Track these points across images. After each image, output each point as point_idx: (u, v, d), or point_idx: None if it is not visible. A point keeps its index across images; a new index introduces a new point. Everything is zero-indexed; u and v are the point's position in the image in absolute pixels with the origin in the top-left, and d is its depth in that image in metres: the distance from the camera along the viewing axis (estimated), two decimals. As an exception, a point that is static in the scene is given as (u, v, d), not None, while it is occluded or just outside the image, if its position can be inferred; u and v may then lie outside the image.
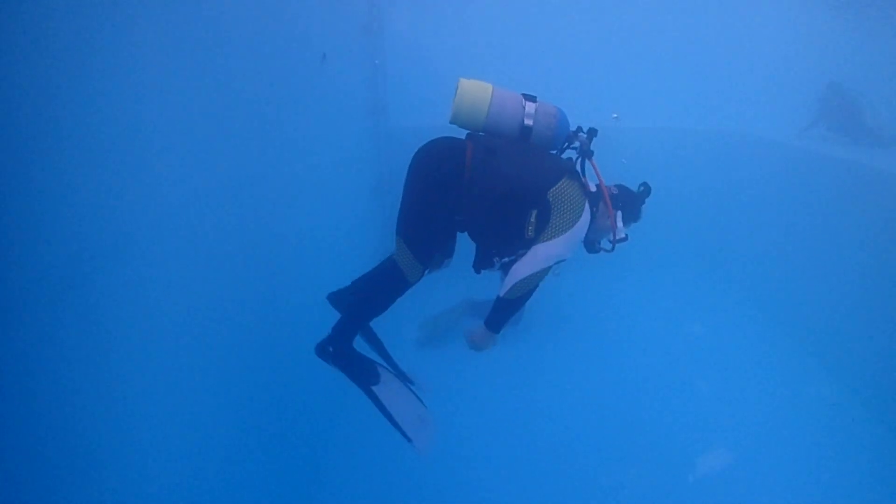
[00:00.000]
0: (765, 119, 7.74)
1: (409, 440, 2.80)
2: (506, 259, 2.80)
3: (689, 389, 5.32)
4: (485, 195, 2.61)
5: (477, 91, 2.67)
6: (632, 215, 2.90)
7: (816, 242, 6.05)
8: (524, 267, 2.61)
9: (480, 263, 2.84)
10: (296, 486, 3.68)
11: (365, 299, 2.84)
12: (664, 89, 7.78)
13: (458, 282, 4.64)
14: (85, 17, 1.60)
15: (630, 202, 2.89)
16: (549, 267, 2.63)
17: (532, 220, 2.62)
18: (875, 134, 7.11)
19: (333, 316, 2.93)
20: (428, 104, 7.07)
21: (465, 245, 2.97)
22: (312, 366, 2.88)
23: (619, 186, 2.96)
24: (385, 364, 3.06)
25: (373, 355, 3.11)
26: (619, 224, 2.81)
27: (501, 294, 2.70)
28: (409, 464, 4.18)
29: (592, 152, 2.81)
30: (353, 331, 2.86)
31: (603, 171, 2.80)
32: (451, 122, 2.78)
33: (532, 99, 2.72)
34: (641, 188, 2.94)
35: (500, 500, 4.04)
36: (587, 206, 2.66)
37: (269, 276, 3.19)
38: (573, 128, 2.88)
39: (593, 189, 2.78)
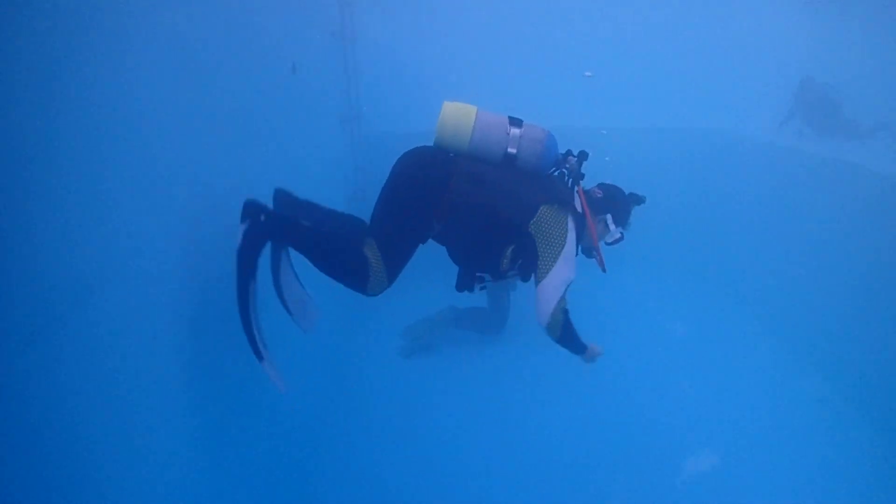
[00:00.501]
0: (741, 116, 7.88)
1: (291, 314, 2.73)
2: (485, 285, 2.84)
3: (674, 390, 5.34)
4: (464, 223, 2.64)
5: (460, 115, 2.65)
6: (623, 215, 2.94)
7: (798, 238, 6.15)
8: (544, 308, 2.61)
9: (462, 284, 2.88)
10: (285, 486, 3.68)
11: (318, 252, 2.58)
12: (642, 90, 7.87)
13: (440, 289, 4.64)
14: (49, 44, 1.60)
15: (620, 202, 2.93)
16: (565, 292, 2.64)
17: (507, 254, 2.67)
18: (851, 126, 7.27)
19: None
20: (403, 110, 7.11)
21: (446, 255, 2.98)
22: (293, 371, 2.88)
23: (605, 187, 2.97)
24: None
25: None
26: (611, 227, 2.87)
27: (553, 337, 2.74)
28: (401, 467, 4.24)
29: (583, 175, 2.83)
30: (290, 240, 2.59)
31: (587, 170, 2.84)
32: (435, 145, 2.75)
33: (517, 124, 2.69)
34: (632, 195, 2.98)
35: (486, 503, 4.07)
36: (570, 223, 2.66)
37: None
38: (563, 150, 2.88)
39: (579, 208, 2.78)
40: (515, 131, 2.64)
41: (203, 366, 2.53)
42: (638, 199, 3.01)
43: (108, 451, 1.85)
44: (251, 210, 2.41)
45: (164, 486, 2.20)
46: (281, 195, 2.85)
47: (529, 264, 2.73)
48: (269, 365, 2.37)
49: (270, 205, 2.76)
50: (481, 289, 2.89)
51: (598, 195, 2.91)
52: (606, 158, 3.57)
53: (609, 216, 2.88)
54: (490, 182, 2.62)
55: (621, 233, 2.92)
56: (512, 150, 2.64)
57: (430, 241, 2.84)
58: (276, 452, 3.63)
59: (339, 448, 4.43)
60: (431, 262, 3.67)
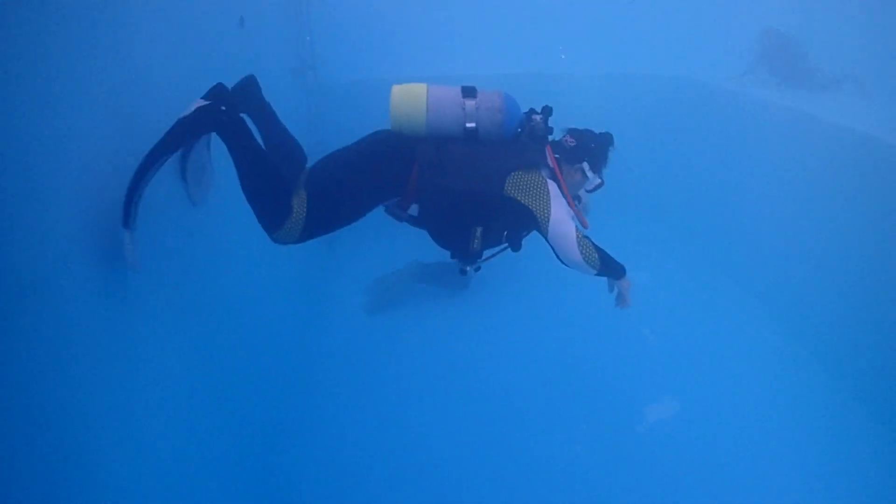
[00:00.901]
0: (705, 64, 7.87)
1: (185, 180, 2.68)
2: (478, 266, 2.85)
3: (635, 337, 5.50)
4: (435, 208, 2.62)
5: (410, 97, 2.57)
6: (599, 160, 2.87)
7: (760, 188, 6.25)
8: (565, 249, 2.57)
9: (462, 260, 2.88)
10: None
11: (248, 173, 2.41)
12: (603, 35, 7.77)
13: (405, 243, 4.62)
14: None
15: (594, 147, 2.87)
16: (576, 227, 2.61)
17: (477, 236, 2.65)
18: (816, 76, 7.35)
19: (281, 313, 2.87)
20: (360, 56, 6.92)
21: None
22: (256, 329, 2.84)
23: (577, 133, 2.90)
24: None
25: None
26: (589, 174, 2.82)
27: (592, 272, 2.70)
28: (366, 426, 4.34)
29: (551, 129, 2.77)
30: (232, 143, 2.39)
31: (555, 118, 2.81)
32: (393, 131, 2.67)
33: (471, 94, 2.61)
34: (605, 136, 2.93)
35: (445, 460, 4.16)
36: (546, 179, 2.63)
37: (204, 255, 3.11)
38: (525, 109, 2.81)
39: (550, 164, 2.74)
40: (470, 103, 2.57)
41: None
42: (610, 141, 2.95)
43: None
44: (218, 95, 2.35)
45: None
46: (250, 86, 2.85)
47: (519, 228, 2.74)
48: (131, 238, 2.10)
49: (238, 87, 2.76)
50: (476, 270, 2.88)
51: (571, 143, 2.84)
52: (562, 56, 3.45)
53: (585, 164, 2.82)
54: (454, 162, 2.55)
55: (601, 178, 2.88)
56: (471, 125, 2.58)
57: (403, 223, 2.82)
58: (240, 414, 3.61)
59: (303, 406, 4.47)
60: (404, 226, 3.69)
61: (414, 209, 2.69)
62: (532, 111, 2.80)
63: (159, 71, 2.58)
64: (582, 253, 2.55)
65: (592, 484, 4.03)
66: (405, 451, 4.23)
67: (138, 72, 2.37)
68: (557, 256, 2.63)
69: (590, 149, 2.84)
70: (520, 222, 2.69)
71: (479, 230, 2.63)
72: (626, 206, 7.41)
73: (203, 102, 2.29)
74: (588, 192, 2.93)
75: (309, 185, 2.51)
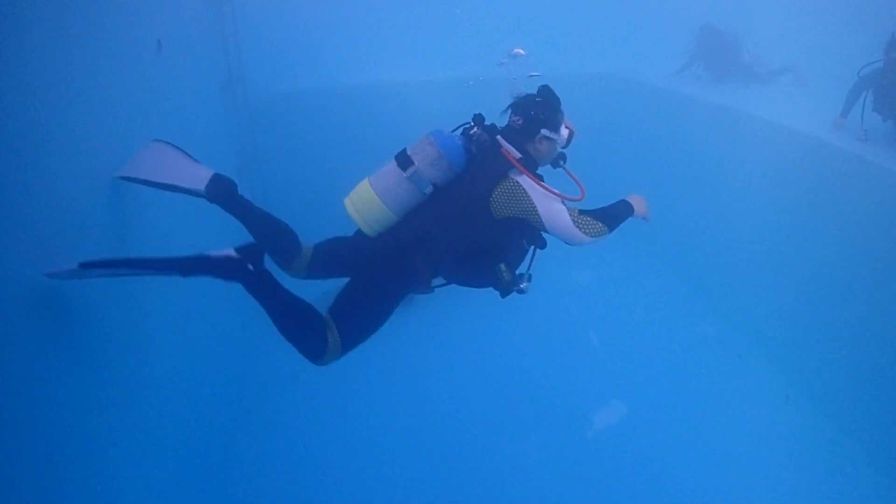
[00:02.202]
0: (638, 62, 8.15)
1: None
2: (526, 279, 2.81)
3: (581, 342, 5.67)
4: (453, 271, 2.75)
5: (363, 202, 2.66)
6: (553, 117, 2.84)
7: (697, 185, 6.50)
8: (571, 237, 2.63)
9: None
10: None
11: (281, 321, 2.57)
12: (543, 35, 7.96)
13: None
14: None
15: (542, 109, 2.83)
16: (568, 209, 2.64)
17: (503, 269, 2.69)
18: (751, 71, 7.70)
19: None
20: (287, 67, 6.96)
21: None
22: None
23: (519, 106, 2.88)
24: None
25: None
26: (553, 136, 2.82)
27: (604, 239, 2.73)
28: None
29: (495, 126, 2.84)
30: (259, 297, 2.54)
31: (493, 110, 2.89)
32: (372, 236, 2.74)
33: (407, 161, 2.64)
34: (544, 90, 2.90)
35: (393, 470, 4.32)
36: (517, 181, 2.64)
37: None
38: (458, 130, 2.87)
39: (515, 156, 2.72)
40: (412, 169, 2.62)
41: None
42: (550, 95, 2.91)
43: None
44: (250, 255, 2.40)
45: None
46: (226, 185, 2.89)
47: (532, 232, 2.76)
48: (73, 272, 2.15)
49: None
50: (528, 281, 2.82)
51: (519, 123, 2.84)
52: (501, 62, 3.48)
53: (543, 130, 2.81)
54: (440, 226, 2.66)
55: (567, 129, 2.90)
56: (427, 189, 2.66)
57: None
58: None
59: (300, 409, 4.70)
60: (332, 233, 3.71)
61: (437, 280, 2.80)
62: (465, 128, 2.86)
63: (81, 100, 2.63)
64: (585, 231, 2.62)
65: (544, 496, 4.17)
66: (355, 457, 4.39)
67: (52, 104, 2.41)
68: (569, 244, 2.68)
69: (538, 114, 2.81)
70: (527, 229, 2.73)
71: (502, 266, 2.70)
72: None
73: (233, 253, 2.37)
74: (564, 149, 2.96)
75: (337, 320, 2.61)
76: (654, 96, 7.40)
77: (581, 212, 2.66)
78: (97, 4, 2.87)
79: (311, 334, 2.55)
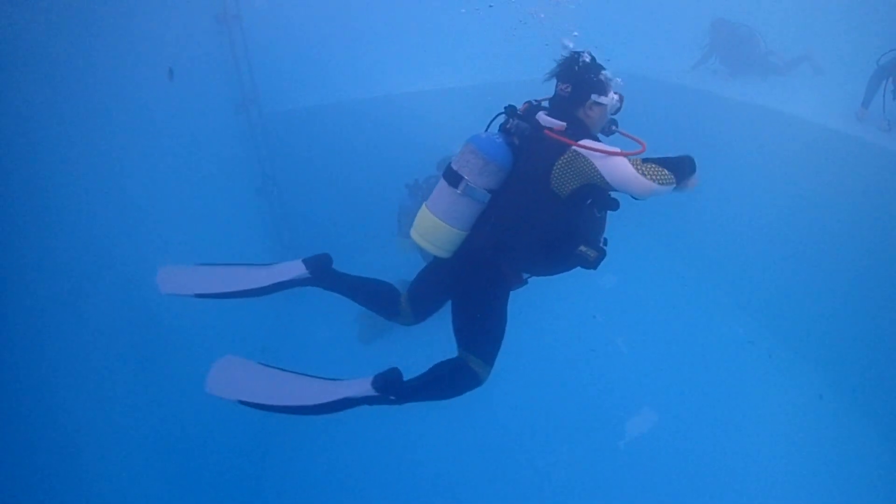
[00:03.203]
0: (656, 59, 8.13)
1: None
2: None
3: (608, 348, 5.65)
4: (539, 269, 2.74)
5: (430, 230, 2.70)
6: (597, 81, 2.73)
7: (721, 182, 6.45)
8: (637, 189, 2.45)
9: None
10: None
11: (438, 394, 2.76)
12: (557, 36, 7.97)
13: (381, 264, 4.72)
14: None
15: (585, 72, 2.72)
16: (633, 162, 2.47)
17: (585, 250, 2.60)
18: (767, 62, 7.63)
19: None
20: (302, 83, 7.07)
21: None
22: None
23: (564, 76, 2.76)
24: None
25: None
26: (604, 100, 2.72)
27: (669, 191, 2.58)
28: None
29: (532, 108, 2.78)
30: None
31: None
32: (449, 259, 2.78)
33: (454, 180, 2.65)
34: (583, 58, 2.76)
35: (437, 480, 4.37)
36: (573, 152, 2.51)
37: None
38: (494, 128, 2.86)
39: (560, 128, 2.61)
40: (463, 184, 2.63)
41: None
42: (591, 59, 2.78)
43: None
44: (391, 383, 2.57)
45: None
46: (325, 263, 2.95)
47: (602, 197, 2.62)
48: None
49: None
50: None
51: (568, 90, 2.73)
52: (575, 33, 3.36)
53: (593, 95, 2.71)
54: (511, 230, 2.64)
55: (616, 94, 2.81)
56: (485, 197, 2.66)
57: None
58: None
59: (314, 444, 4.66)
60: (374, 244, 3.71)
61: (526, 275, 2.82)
62: (502, 124, 2.84)
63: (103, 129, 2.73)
64: (651, 178, 2.44)
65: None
66: (392, 463, 4.47)
67: (73, 134, 2.51)
68: (636, 199, 2.53)
69: (584, 78, 2.71)
70: (595, 195, 2.60)
71: (582, 248, 2.60)
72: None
73: (369, 389, 2.53)
74: (613, 115, 2.87)
75: (470, 350, 2.70)
76: (674, 93, 7.37)
77: (644, 160, 2.50)
78: (109, 37, 2.96)
79: (464, 382, 2.68)
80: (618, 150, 2.47)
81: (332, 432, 4.65)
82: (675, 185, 2.58)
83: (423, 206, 2.76)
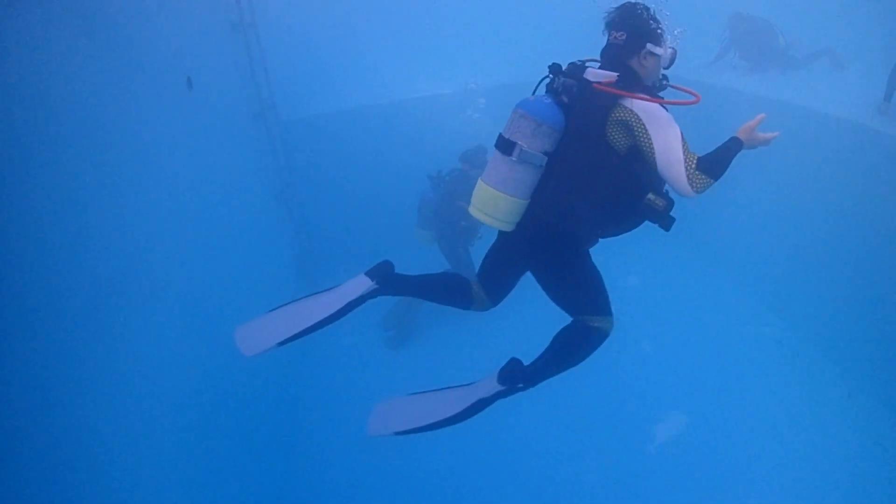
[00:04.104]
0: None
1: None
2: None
3: (633, 350, 5.60)
4: (613, 228, 2.69)
5: (488, 205, 2.62)
6: (656, 32, 2.62)
7: (746, 180, 6.37)
8: (677, 183, 2.41)
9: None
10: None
11: (568, 362, 2.84)
12: (572, 38, 7.96)
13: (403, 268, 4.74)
14: None
15: (644, 24, 2.60)
16: (683, 147, 2.42)
17: (653, 198, 2.53)
18: (787, 56, 7.54)
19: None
20: (316, 90, 7.11)
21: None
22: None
23: (617, 23, 2.63)
24: None
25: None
26: (657, 51, 2.60)
27: (706, 190, 2.49)
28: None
29: (576, 67, 2.63)
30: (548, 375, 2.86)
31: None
32: (518, 228, 2.70)
33: (508, 147, 2.55)
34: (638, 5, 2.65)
35: (462, 488, 4.39)
36: (624, 104, 2.45)
37: (190, 307, 3.38)
38: (541, 90, 2.75)
39: (610, 79, 2.52)
40: (518, 150, 2.53)
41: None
42: (644, 7, 2.66)
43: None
44: (517, 374, 2.75)
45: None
46: (388, 270, 2.91)
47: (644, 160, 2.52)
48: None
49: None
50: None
51: (622, 38, 2.59)
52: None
53: (648, 45, 2.58)
54: (573, 193, 2.58)
55: (671, 47, 2.69)
56: (542, 160, 2.57)
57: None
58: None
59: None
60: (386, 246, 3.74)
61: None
62: (547, 85, 2.73)
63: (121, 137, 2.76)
64: (696, 188, 2.42)
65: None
66: (416, 474, 4.50)
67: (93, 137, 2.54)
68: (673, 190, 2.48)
69: (642, 29, 2.58)
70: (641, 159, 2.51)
71: (650, 196, 2.53)
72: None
73: (497, 386, 2.71)
74: (667, 69, 2.75)
75: (584, 312, 2.74)
76: (693, 89, 7.30)
77: (698, 165, 2.42)
78: (127, 46, 2.99)
79: (592, 341, 2.79)
80: (670, 116, 2.44)
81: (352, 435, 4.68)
82: (714, 184, 2.53)
83: (479, 181, 2.66)
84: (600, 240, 2.79)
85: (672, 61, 2.72)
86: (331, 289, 2.84)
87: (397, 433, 2.70)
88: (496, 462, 4.55)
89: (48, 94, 2.24)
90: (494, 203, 2.60)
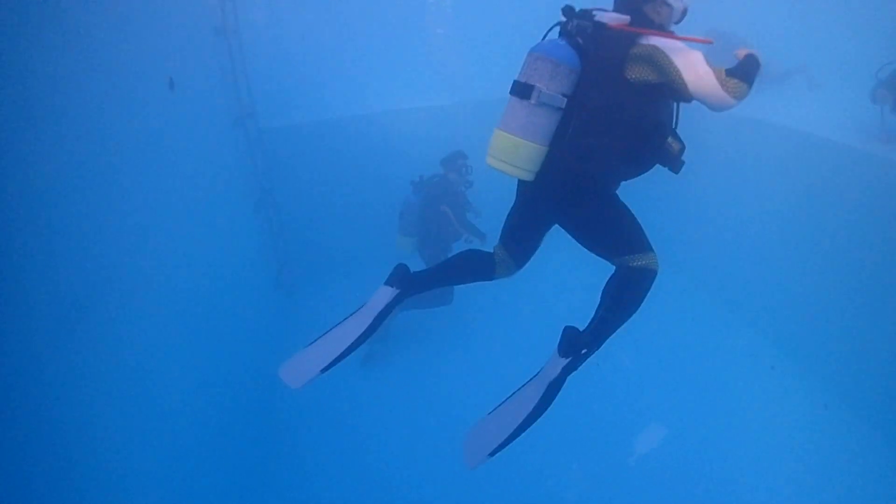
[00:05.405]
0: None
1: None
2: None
3: (612, 363, 5.64)
4: (624, 171, 2.65)
5: (507, 152, 2.54)
6: None
7: (722, 195, 6.50)
8: (713, 97, 2.34)
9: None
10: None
11: (624, 312, 2.76)
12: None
13: (366, 280, 4.74)
14: None
15: None
16: (713, 72, 2.33)
17: (671, 141, 2.52)
18: (765, 71, 7.69)
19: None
20: (297, 99, 7.12)
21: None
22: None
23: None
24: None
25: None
26: (672, 3, 2.56)
27: (745, 97, 2.41)
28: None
29: (588, 13, 2.60)
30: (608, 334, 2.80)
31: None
32: (540, 175, 2.62)
33: (526, 92, 2.49)
34: None
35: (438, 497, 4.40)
36: (644, 42, 2.42)
37: (167, 315, 3.34)
38: (551, 28, 2.72)
39: (623, 22, 2.52)
40: (536, 93, 2.47)
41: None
42: None
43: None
44: (580, 343, 2.69)
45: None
46: (404, 272, 2.89)
47: (670, 93, 2.49)
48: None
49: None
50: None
51: None
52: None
53: None
54: (593, 136, 2.52)
55: (683, 3, 2.63)
56: (562, 102, 2.50)
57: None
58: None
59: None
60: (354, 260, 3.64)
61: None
62: (561, 27, 2.67)
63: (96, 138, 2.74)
64: (733, 94, 2.34)
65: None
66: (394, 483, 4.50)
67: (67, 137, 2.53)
68: (712, 109, 2.43)
69: None
70: (674, 94, 2.48)
71: (669, 139, 2.53)
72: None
73: (561, 361, 2.68)
74: (678, 23, 2.67)
75: (623, 253, 2.68)
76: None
77: (728, 73, 2.34)
78: (107, 47, 2.97)
79: (641, 282, 2.71)
80: (687, 48, 2.39)
81: (326, 446, 4.70)
82: (749, 94, 2.45)
83: (496, 129, 2.59)
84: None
85: (683, 16, 2.68)
86: (357, 309, 2.84)
87: (491, 454, 2.71)
88: (473, 476, 4.53)
89: (28, 93, 2.22)
90: (515, 150, 2.53)
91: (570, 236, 2.78)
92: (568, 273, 7.31)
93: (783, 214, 5.61)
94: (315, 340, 2.81)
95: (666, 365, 5.64)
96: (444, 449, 4.74)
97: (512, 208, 2.92)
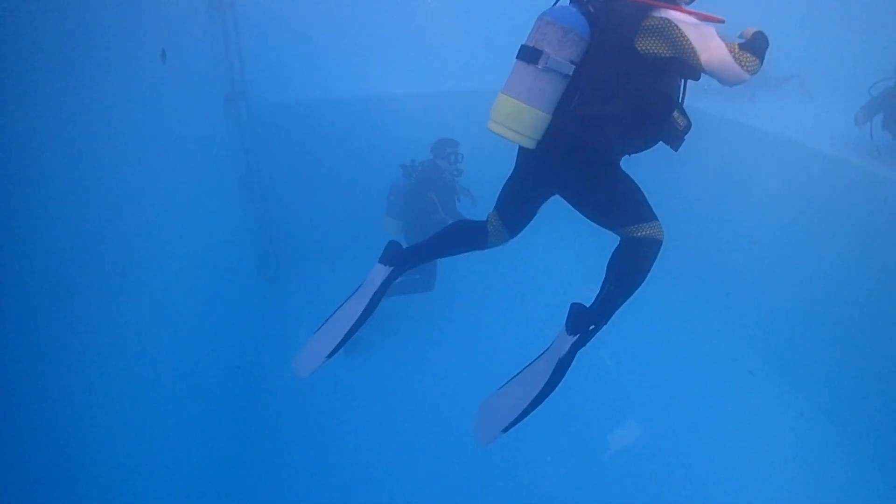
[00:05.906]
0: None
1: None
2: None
3: (592, 360, 5.62)
4: (637, 142, 2.63)
5: (510, 118, 2.50)
6: None
7: (708, 200, 6.53)
8: (727, 72, 2.30)
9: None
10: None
11: (631, 283, 2.78)
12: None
13: (348, 270, 4.72)
14: None
15: None
16: (726, 45, 2.33)
17: (677, 116, 2.51)
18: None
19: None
20: (291, 77, 7.05)
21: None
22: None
23: None
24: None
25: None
26: None
27: (758, 69, 2.39)
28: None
29: None
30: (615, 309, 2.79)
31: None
32: (543, 142, 2.57)
33: (534, 56, 2.45)
34: None
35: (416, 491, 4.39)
36: (657, 14, 2.39)
37: (151, 292, 3.33)
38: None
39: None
40: (544, 59, 2.43)
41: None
42: None
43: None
44: (587, 319, 2.68)
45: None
46: (398, 249, 2.90)
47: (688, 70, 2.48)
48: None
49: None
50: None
51: None
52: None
53: None
54: (600, 104, 2.49)
55: None
56: (570, 70, 2.45)
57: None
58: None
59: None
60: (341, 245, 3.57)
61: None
62: None
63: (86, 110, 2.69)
64: (746, 67, 2.31)
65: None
66: (372, 481, 4.46)
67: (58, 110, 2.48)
68: (724, 83, 2.39)
69: None
70: (684, 70, 2.46)
71: (675, 114, 2.50)
72: (568, 220, 7.62)
73: (569, 338, 2.66)
74: (687, 4, 2.57)
75: (629, 222, 2.67)
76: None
77: (741, 47, 2.35)
78: (100, 15, 2.91)
79: (647, 253, 2.73)
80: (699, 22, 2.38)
81: (309, 436, 4.70)
82: (760, 66, 2.43)
83: (500, 93, 2.54)
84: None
85: None
86: (355, 291, 2.86)
87: (504, 430, 2.69)
88: (448, 471, 4.54)
89: (16, 60, 2.17)
90: (518, 115, 2.48)
91: (571, 207, 2.77)
92: (552, 259, 7.42)
93: (769, 222, 5.65)
94: (319, 327, 2.83)
95: (645, 363, 5.68)
96: (421, 438, 4.79)
97: (510, 176, 2.89)
